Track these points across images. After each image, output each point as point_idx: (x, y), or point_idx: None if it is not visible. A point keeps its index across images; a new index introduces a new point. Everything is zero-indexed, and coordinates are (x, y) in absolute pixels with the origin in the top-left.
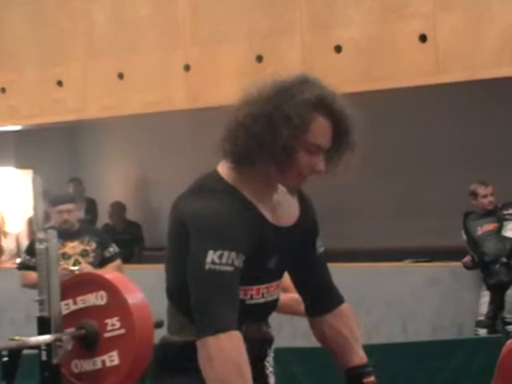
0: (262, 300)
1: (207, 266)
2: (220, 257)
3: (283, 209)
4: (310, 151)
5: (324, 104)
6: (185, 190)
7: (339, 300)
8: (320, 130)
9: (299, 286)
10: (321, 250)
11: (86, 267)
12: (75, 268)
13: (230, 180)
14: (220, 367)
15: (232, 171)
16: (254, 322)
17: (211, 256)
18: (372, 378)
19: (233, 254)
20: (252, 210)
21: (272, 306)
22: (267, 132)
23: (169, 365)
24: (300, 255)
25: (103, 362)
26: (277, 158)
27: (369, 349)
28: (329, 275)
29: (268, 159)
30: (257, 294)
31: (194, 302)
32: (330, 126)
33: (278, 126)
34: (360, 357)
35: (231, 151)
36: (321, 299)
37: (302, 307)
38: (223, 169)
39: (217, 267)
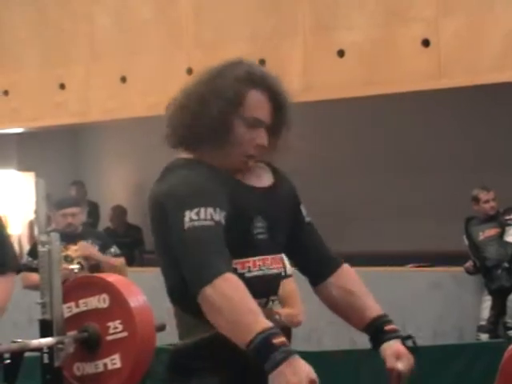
0: (261, 273)
1: (186, 225)
2: (197, 213)
3: (254, 176)
4: (250, 126)
5: (255, 78)
6: (155, 181)
7: (339, 262)
8: (255, 102)
9: (297, 259)
10: (308, 219)
11: (84, 246)
12: (75, 267)
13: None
14: (227, 312)
15: (191, 155)
16: (258, 299)
17: (188, 215)
18: (393, 326)
19: (210, 210)
20: (224, 174)
21: (273, 281)
22: (203, 109)
23: (181, 368)
24: (289, 225)
25: (105, 365)
26: (216, 134)
27: (369, 353)
28: (323, 241)
29: (209, 138)
30: (254, 267)
31: (183, 263)
32: (265, 99)
33: (210, 102)
34: (374, 309)
35: (178, 136)
36: (320, 265)
37: (296, 319)
38: (182, 155)
39: (196, 223)
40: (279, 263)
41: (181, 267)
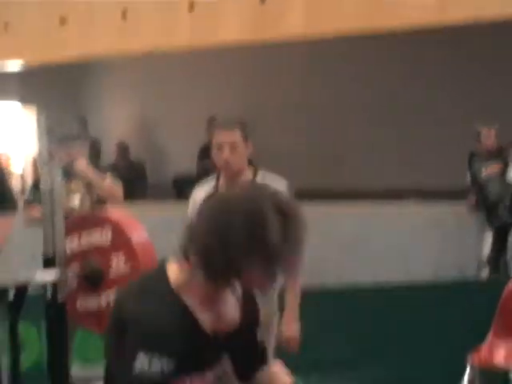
0: None
1: (136, 370)
2: (150, 362)
3: (226, 314)
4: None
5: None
6: (131, 286)
7: (270, 361)
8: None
9: (239, 370)
10: (261, 339)
11: (82, 163)
12: (76, 202)
13: (176, 284)
14: None
15: (181, 275)
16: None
17: (142, 359)
18: None
19: (163, 361)
20: (190, 318)
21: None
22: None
23: None
24: (242, 352)
25: (108, 300)
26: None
27: (372, 290)
28: (265, 348)
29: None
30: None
31: None
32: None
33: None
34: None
35: (207, 267)
36: (257, 368)
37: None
38: (173, 269)
39: (145, 372)
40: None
41: None
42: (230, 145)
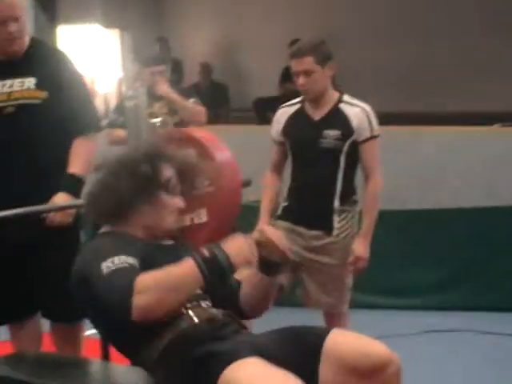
0: None
1: (104, 272)
2: (112, 261)
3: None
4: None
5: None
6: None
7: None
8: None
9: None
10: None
11: (162, 85)
12: (157, 120)
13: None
14: (167, 292)
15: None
16: (194, 304)
17: (105, 265)
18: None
19: (123, 257)
20: (131, 237)
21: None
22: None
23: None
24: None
25: (191, 219)
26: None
27: (455, 213)
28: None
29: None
30: None
31: (107, 300)
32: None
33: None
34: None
35: (104, 213)
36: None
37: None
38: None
39: (112, 267)
40: None
41: (107, 309)
42: (304, 72)
